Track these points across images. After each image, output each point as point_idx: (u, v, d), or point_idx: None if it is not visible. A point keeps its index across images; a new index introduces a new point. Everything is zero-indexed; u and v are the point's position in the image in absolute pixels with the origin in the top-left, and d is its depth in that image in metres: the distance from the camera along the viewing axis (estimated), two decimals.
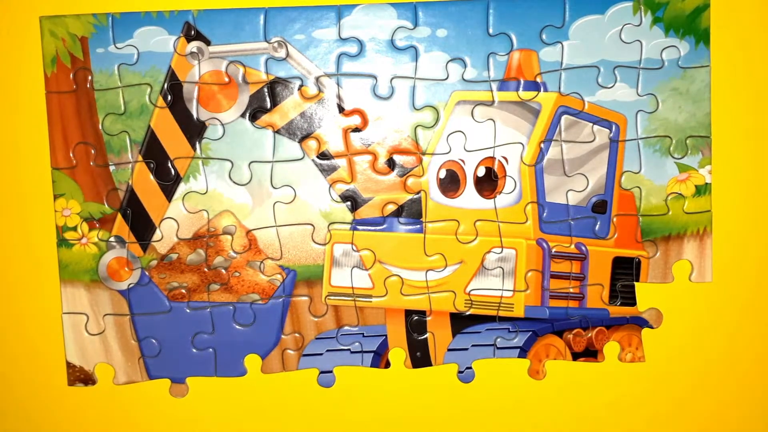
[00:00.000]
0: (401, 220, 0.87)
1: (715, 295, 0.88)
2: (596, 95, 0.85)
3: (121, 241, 0.87)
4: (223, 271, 0.88)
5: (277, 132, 0.86)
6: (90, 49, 0.85)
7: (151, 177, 0.86)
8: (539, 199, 0.86)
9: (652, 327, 0.88)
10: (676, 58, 0.85)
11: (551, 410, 0.90)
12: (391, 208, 0.87)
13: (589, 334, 0.88)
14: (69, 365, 0.88)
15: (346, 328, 0.88)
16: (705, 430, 0.91)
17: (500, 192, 0.86)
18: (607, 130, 0.86)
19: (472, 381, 0.88)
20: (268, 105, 0.86)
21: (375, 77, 0.85)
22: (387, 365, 0.88)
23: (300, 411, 0.90)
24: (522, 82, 0.85)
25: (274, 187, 0.86)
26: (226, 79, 0.85)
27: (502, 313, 0.86)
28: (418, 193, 0.86)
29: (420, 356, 0.88)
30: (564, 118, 0.85)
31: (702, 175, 0.87)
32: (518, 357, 0.88)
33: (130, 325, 0.88)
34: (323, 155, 0.86)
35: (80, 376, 0.89)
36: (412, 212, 0.87)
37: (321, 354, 0.88)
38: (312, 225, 0.87)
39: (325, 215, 0.87)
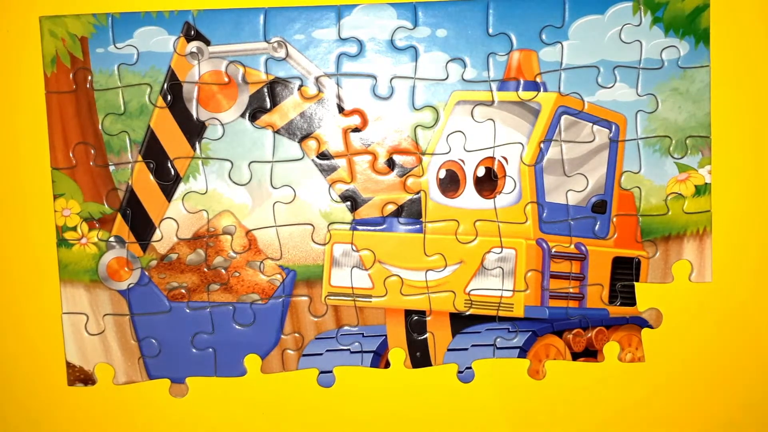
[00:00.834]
0: (401, 220, 0.87)
1: (715, 295, 0.88)
2: (596, 95, 0.85)
3: (120, 241, 0.87)
4: (223, 271, 0.88)
5: (276, 132, 0.86)
6: (90, 49, 0.85)
7: (151, 177, 0.86)
8: (539, 199, 0.86)
9: (652, 327, 0.88)
10: (676, 58, 0.85)
11: (551, 410, 0.90)
12: (391, 208, 0.87)
13: (589, 334, 0.88)
14: (69, 365, 0.88)
15: (345, 328, 0.88)
16: (705, 430, 0.91)
17: (500, 192, 0.86)
18: (607, 130, 0.86)
19: (472, 381, 0.88)
20: (268, 105, 0.86)
21: (375, 77, 0.85)
22: (387, 365, 0.88)
23: (300, 411, 0.90)
24: (522, 82, 0.85)
25: (274, 187, 0.86)
26: (226, 79, 0.85)
27: (501, 313, 0.86)
28: (418, 193, 0.86)
29: (420, 356, 0.88)
30: (564, 118, 0.85)
31: (702, 175, 0.87)
32: (518, 357, 0.88)
33: (129, 325, 0.88)
34: (323, 155, 0.86)
35: (80, 376, 0.89)
36: (411, 212, 0.87)
37: (321, 354, 0.88)
38: (312, 225, 0.87)
39: (324, 215, 0.87)
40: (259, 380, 0.88)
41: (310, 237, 0.87)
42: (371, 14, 0.85)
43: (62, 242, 0.87)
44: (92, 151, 0.86)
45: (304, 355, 0.88)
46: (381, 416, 0.90)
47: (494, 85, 0.85)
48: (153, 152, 0.86)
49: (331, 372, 0.88)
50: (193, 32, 0.85)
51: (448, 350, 0.88)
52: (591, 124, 0.86)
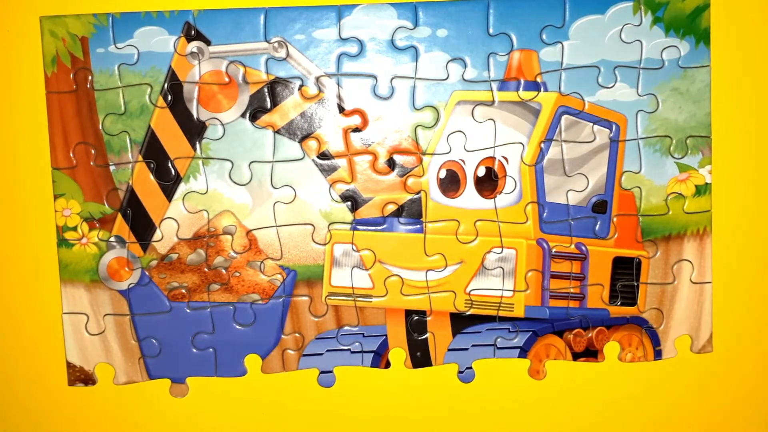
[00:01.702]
0: (401, 220, 0.87)
1: (715, 296, 0.88)
2: (596, 95, 0.85)
3: (121, 241, 0.87)
4: (224, 271, 0.88)
5: (277, 132, 0.86)
6: (90, 49, 0.85)
7: (152, 177, 0.86)
8: (539, 199, 0.86)
9: (652, 327, 0.88)
10: (676, 58, 0.85)
11: (551, 410, 0.90)
12: (392, 208, 0.87)
13: (590, 334, 0.88)
14: (69, 365, 0.88)
15: (346, 328, 0.88)
16: (705, 430, 0.91)
17: (500, 192, 0.86)
18: (608, 130, 0.86)
19: (472, 381, 0.88)
20: (269, 105, 0.86)
21: (375, 77, 0.85)
22: (387, 365, 0.88)
23: (300, 411, 0.90)
24: (522, 82, 0.85)
25: (274, 187, 0.86)
26: (227, 79, 0.85)
27: (502, 313, 0.86)
28: (418, 193, 0.86)
29: (420, 356, 0.88)
30: (564, 118, 0.85)
31: (702, 175, 0.87)
32: (518, 357, 0.88)
33: (130, 325, 0.88)
34: (323, 155, 0.86)
35: (80, 376, 0.89)
36: (412, 212, 0.87)
37: (321, 354, 0.88)
38: (312, 225, 0.87)
39: (325, 215, 0.87)
40: (259, 380, 0.88)
41: (310, 237, 0.87)
42: (371, 14, 0.85)
43: (62, 242, 0.87)
44: (93, 151, 0.86)
45: (304, 355, 0.88)
46: (381, 416, 0.90)
47: (495, 85, 0.85)
48: (153, 152, 0.86)
49: (331, 372, 0.88)
50: (193, 32, 0.85)
51: (449, 350, 0.88)
52: (591, 124, 0.86)
